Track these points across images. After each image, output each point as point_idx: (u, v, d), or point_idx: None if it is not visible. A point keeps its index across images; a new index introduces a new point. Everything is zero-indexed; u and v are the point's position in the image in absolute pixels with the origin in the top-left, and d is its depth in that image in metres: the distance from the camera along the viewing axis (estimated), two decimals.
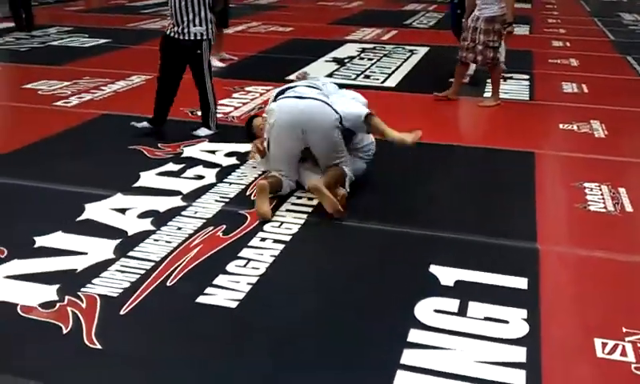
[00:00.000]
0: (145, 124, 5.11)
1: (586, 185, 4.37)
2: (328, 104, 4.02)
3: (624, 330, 2.76)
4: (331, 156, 4.02)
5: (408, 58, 8.70)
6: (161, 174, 4.41)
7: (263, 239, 3.52)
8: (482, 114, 6.33)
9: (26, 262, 3.23)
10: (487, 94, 6.76)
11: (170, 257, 3.30)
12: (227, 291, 3.00)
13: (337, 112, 3.98)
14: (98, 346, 2.59)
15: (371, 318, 2.87)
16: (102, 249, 3.36)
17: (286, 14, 13.14)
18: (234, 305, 2.90)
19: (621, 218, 3.93)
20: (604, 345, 2.67)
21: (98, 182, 4.23)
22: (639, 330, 2.75)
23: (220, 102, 6.16)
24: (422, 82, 7.34)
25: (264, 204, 3.78)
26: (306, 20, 12.34)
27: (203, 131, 5.21)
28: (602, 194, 4.22)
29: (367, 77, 7.57)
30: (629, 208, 4.03)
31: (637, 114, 6.31)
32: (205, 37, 5.01)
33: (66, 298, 2.91)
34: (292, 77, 5.17)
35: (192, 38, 4.97)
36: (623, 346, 2.66)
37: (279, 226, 3.67)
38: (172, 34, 5.00)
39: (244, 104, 6.21)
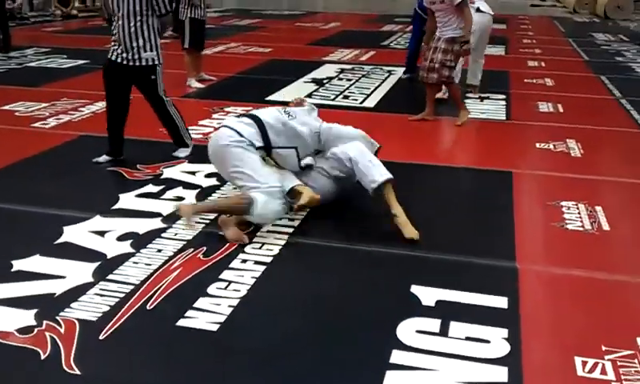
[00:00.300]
0: (105, 157, 4.99)
1: (563, 203, 4.42)
2: (231, 127, 3.95)
3: (603, 348, 2.79)
4: (232, 177, 3.97)
5: (386, 78, 8.78)
6: (140, 195, 4.39)
7: (244, 261, 3.50)
8: (460, 133, 6.40)
9: (2, 287, 3.18)
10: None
11: (150, 280, 3.28)
12: (208, 314, 2.98)
13: (235, 130, 3.89)
14: (77, 372, 2.56)
15: (353, 339, 2.86)
16: (80, 272, 3.33)
17: (264, 34, 13.21)
18: (215, 328, 2.88)
19: (598, 236, 3.98)
20: (584, 363, 2.69)
21: (76, 204, 4.19)
22: (618, 349, 2.78)
23: (200, 122, 6.19)
24: (401, 102, 7.42)
25: (231, 231, 3.73)
26: (284, 41, 12.41)
27: (182, 152, 5.18)
28: (579, 213, 4.27)
29: (346, 97, 7.62)
30: (606, 226, 4.08)
31: (612, 133, 6.41)
32: (157, 62, 4.92)
33: (44, 322, 2.87)
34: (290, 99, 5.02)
35: (144, 63, 4.85)
36: (603, 365, 2.68)
37: (260, 248, 3.66)
38: (120, 61, 4.83)
39: None
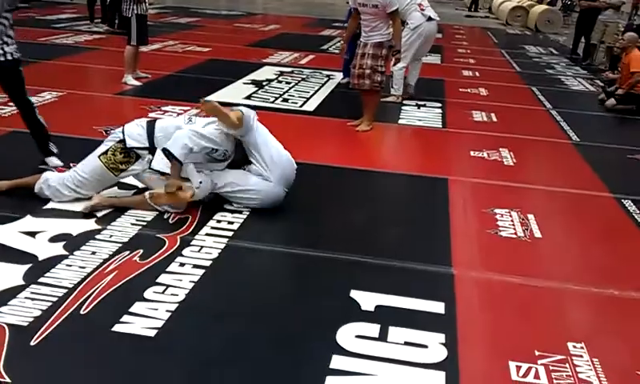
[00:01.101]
0: None
1: (496, 211, 4.53)
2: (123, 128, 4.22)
3: (536, 353, 2.88)
4: None
5: (325, 82, 8.81)
6: None
7: (182, 264, 3.45)
8: (397, 139, 6.48)
9: None
10: (402, 121, 6.96)
11: (84, 283, 3.18)
12: (145, 319, 2.91)
13: (122, 130, 4.19)
14: (7, 379, 2.46)
15: (293, 344, 2.86)
16: (10, 275, 3.20)
17: (203, 34, 13.05)
18: (152, 333, 2.82)
19: (530, 243, 4.10)
20: (518, 368, 2.77)
21: (6, 203, 4.04)
22: (551, 354, 2.88)
23: (136, 122, 6.04)
24: (340, 106, 7.45)
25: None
26: (223, 41, 12.30)
27: (55, 160, 4.76)
28: (512, 220, 4.39)
29: (286, 100, 7.61)
30: (537, 234, 4.21)
31: (542, 143, 6.62)
32: (19, 55, 4.66)
33: None
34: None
35: (11, 58, 4.59)
36: (536, 369, 2.76)
37: (199, 251, 3.61)
38: None
39: None
